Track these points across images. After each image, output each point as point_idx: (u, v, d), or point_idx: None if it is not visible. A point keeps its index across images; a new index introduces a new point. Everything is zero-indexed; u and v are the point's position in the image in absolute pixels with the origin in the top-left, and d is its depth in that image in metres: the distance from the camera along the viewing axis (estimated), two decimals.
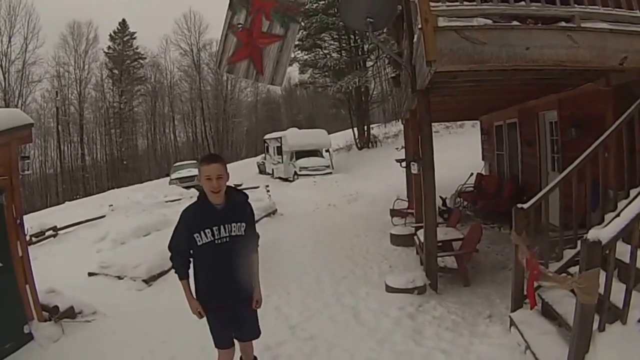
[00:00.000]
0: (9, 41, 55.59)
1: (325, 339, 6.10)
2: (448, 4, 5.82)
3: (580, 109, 8.62)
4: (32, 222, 16.43)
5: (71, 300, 7.43)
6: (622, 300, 3.97)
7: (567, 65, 5.89)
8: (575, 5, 5.87)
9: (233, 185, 4.31)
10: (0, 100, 52.09)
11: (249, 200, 4.32)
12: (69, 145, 64.37)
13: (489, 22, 5.66)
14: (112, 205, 22.76)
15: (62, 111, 61.85)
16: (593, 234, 3.77)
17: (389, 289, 7.63)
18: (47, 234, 16.47)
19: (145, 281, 9.44)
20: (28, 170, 7.98)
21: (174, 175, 34.83)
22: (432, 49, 5.61)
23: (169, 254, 4.20)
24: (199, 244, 4.00)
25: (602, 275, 3.78)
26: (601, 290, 3.79)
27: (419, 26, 5.91)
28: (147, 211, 18.61)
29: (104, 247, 13.12)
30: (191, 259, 4.13)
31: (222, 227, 4.02)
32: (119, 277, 9.68)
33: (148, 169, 66.13)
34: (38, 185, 59.83)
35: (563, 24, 5.82)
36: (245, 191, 4.41)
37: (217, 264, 4.05)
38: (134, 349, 6.19)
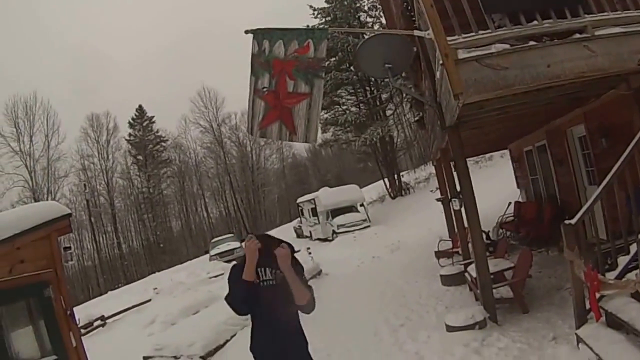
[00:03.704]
0: (31, 140, 56.57)
1: None
2: (464, 35, 5.94)
3: (607, 118, 8.53)
4: (79, 313, 16.52)
5: None
6: None
7: (589, 76, 5.91)
8: (586, 16, 5.95)
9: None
10: (30, 199, 52.43)
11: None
12: (104, 235, 64.60)
13: (507, 46, 5.74)
14: (156, 288, 22.91)
15: (92, 203, 62.53)
16: None
17: (450, 329, 7.52)
18: (95, 324, 16.72)
19: (202, 357, 9.45)
20: (72, 260, 8.08)
21: (213, 251, 34.81)
22: (457, 81, 5.69)
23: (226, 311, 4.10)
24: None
25: None
26: None
27: (440, 62, 6.02)
28: (192, 289, 18.64)
29: (155, 330, 13.18)
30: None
31: (266, 269, 4.07)
32: (176, 357, 9.69)
33: (186, 248, 65.81)
34: (78, 278, 59.18)
35: (577, 35, 5.87)
36: None
37: (264, 304, 4.02)
38: None
